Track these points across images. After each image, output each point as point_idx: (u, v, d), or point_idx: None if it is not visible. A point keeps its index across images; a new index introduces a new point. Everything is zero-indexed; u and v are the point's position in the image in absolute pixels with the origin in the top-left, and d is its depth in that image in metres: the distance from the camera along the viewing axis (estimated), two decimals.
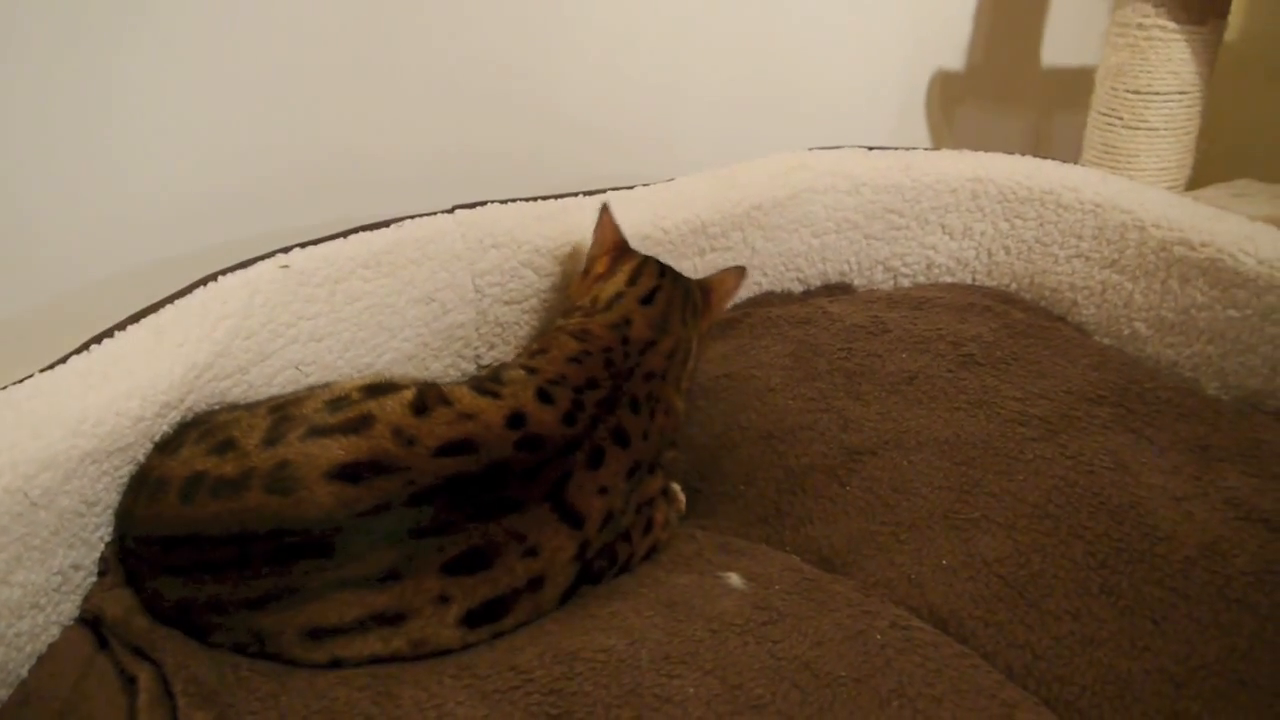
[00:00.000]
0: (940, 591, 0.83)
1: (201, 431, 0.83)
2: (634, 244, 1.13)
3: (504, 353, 1.14)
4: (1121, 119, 1.45)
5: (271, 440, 0.77)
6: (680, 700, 0.68)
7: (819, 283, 1.31)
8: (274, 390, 0.96)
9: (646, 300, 0.97)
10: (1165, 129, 1.43)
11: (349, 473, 0.72)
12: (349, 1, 1.12)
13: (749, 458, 1.01)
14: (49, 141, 0.97)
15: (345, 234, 1.03)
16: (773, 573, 0.84)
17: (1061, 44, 1.90)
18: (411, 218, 1.07)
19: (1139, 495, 0.87)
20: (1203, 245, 1.07)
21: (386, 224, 1.06)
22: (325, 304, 1.00)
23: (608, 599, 0.80)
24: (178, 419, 0.86)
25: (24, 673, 0.77)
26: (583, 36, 1.37)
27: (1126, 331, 1.16)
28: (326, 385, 0.87)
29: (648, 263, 1.03)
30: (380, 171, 1.21)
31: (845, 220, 1.27)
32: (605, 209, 1.04)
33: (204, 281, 0.93)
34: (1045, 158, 1.27)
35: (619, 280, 1.00)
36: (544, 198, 1.15)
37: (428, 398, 0.79)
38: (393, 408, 0.78)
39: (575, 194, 1.17)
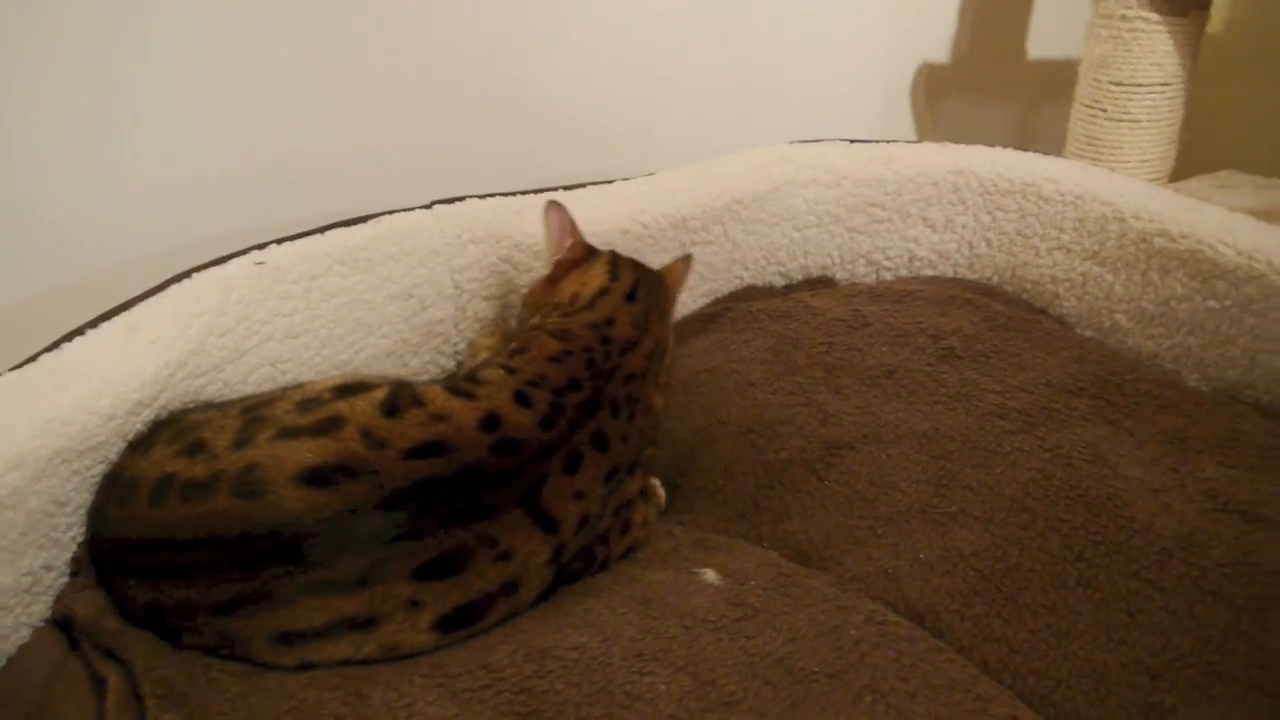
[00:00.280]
0: (917, 586, 0.83)
1: (174, 431, 0.82)
2: (614, 239, 1.13)
3: None
4: (1105, 111, 1.45)
5: (241, 442, 0.76)
6: (651, 698, 0.67)
7: (801, 276, 1.31)
8: (250, 388, 0.96)
9: (630, 297, 0.96)
10: (1148, 121, 1.43)
11: (317, 476, 0.71)
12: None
13: (728, 452, 1.00)
14: (12, 138, 0.96)
15: (322, 230, 1.02)
16: (749, 568, 0.84)
17: (1047, 36, 1.89)
18: (390, 213, 1.07)
19: (1116, 487, 0.87)
20: (1182, 236, 1.06)
21: (364, 219, 1.05)
22: (301, 300, 0.99)
23: (582, 595, 0.79)
24: (151, 417, 0.86)
25: None
26: (567, 26, 1.37)
27: (1108, 323, 1.16)
28: (299, 385, 0.87)
29: (618, 258, 1.02)
30: (359, 166, 1.20)
31: (827, 213, 1.26)
32: (552, 206, 1.01)
33: (178, 278, 0.93)
34: (1031, 150, 1.27)
35: (598, 275, 0.98)
36: (524, 192, 1.15)
37: (400, 398, 0.78)
38: (363, 409, 0.77)
39: (555, 188, 1.17)
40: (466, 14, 1.25)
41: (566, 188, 1.17)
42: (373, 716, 0.67)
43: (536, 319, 0.96)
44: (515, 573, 0.76)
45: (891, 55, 1.81)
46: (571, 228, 1.01)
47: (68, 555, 0.82)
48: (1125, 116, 1.44)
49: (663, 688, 0.68)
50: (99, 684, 0.73)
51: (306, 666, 0.72)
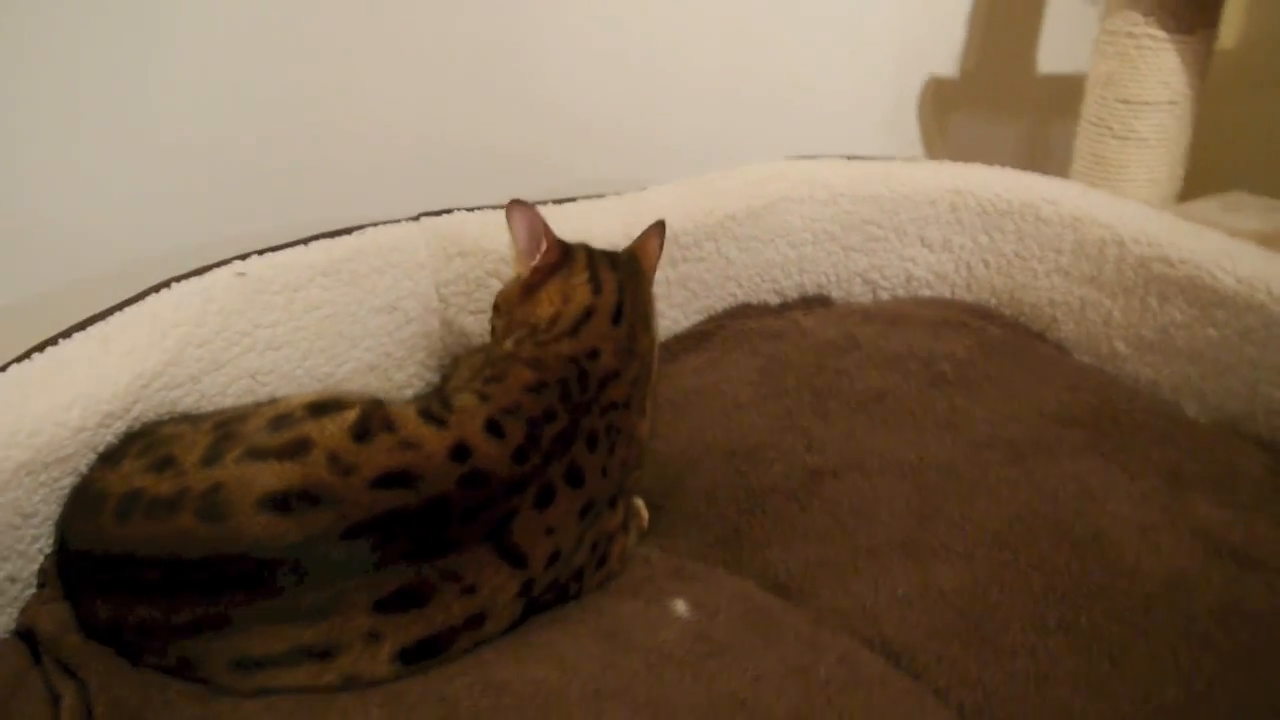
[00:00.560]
0: (894, 623, 0.81)
1: (145, 444, 0.81)
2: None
3: None
4: (1111, 129, 1.42)
5: (209, 459, 0.75)
6: None
7: (796, 295, 1.29)
8: (229, 400, 0.95)
9: (616, 317, 0.90)
10: (1155, 140, 1.40)
11: (280, 502, 0.70)
12: None
13: (711, 476, 0.99)
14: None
15: (305, 241, 1.01)
16: (721, 600, 0.82)
17: (1057, 50, 1.86)
18: (375, 225, 1.05)
19: (1103, 525, 0.85)
20: (1181, 262, 1.04)
21: (349, 231, 1.04)
22: (283, 312, 0.98)
23: (548, 626, 0.78)
24: (123, 429, 0.85)
25: None
26: (567, 29, 1.34)
27: (1106, 350, 1.14)
28: (274, 401, 0.85)
29: (595, 262, 0.94)
30: (350, 173, 1.19)
31: (823, 231, 1.24)
32: (517, 206, 0.92)
33: (156, 288, 0.92)
34: (1040, 166, 1.24)
35: (580, 290, 0.91)
36: None
37: (371, 421, 0.77)
38: (332, 432, 0.75)
39: (544, 202, 1.15)
40: (463, 18, 1.23)
41: (556, 201, 1.15)
42: None
43: (509, 344, 0.91)
44: (482, 606, 0.74)
45: (898, 67, 1.78)
46: (544, 228, 0.93)
47: (34, 567, 0.81)
48: (1132, 135, 1.41)
49: None
50: (55, 701, 0.72)
51: (265, 693, 0.71)
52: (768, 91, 1.61)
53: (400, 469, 0.73)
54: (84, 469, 0.81)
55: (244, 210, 1.08)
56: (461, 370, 1.01)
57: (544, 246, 0.93)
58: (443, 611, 0.72)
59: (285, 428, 0.77)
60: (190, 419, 0.86)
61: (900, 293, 1.27)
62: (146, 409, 0.86)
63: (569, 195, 1.19)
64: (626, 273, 0.95)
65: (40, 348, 0.84)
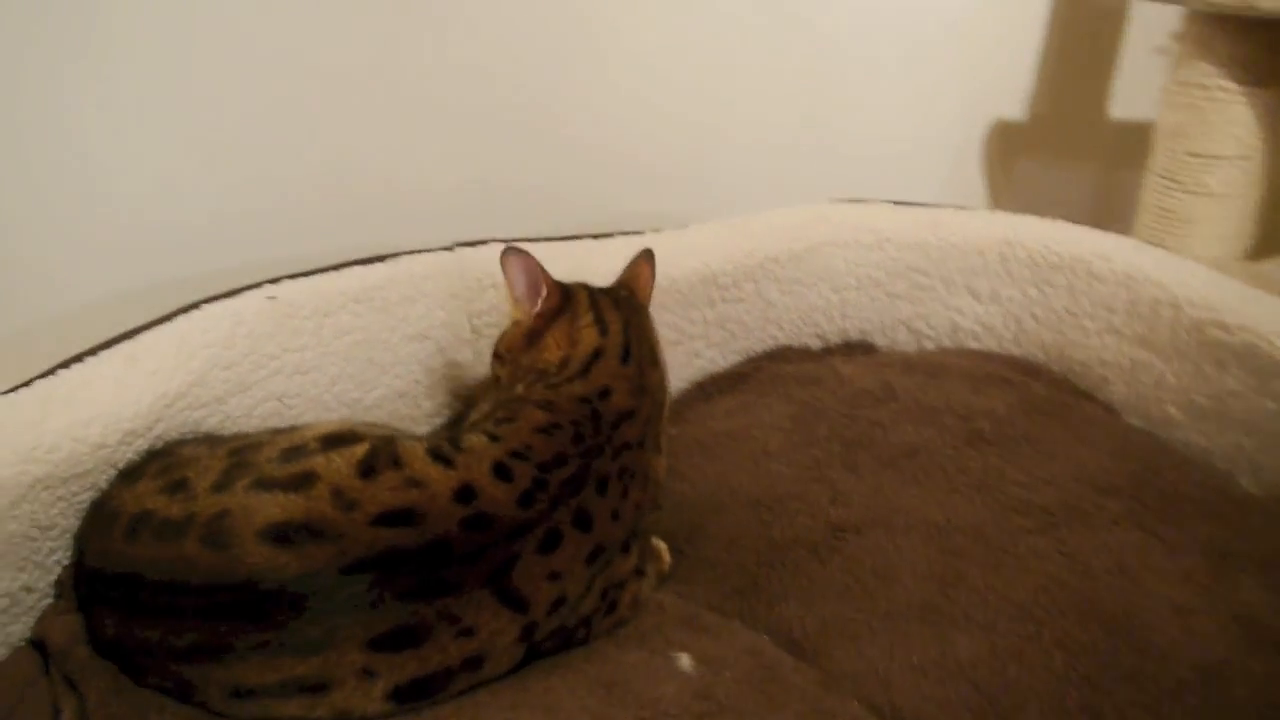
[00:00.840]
0: (907, 692, 0.77)
1: (162, 465, 0.82)
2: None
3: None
4: (1179, 182, 1.38)
5: (220, 485, 0.75)
6: None
7: (839, 340, 1.26)
8: (254, 422, 0.95)
9: (625, 357, 0.90)
10: (1224, 195, 1.35)
11: (281, 534, 0.70)
12: (355, 25, 1.10)
13: (734, 524, 0.97)
14: (37, 164, 0.96)
15: (338, 267, 1.01)
16: (730, 656, 0.79)
17: (1131, 96, 1.81)
18: (410, 253, 1.05)
19: (1137, 603, 0.81)
20: (1239, 329, 0.99)
21: (383, 259, 1.04)
22: (312, 337, 0.98)
23: (548, 672, 0.76)
24: (145, 446, 0.85)
25: None
26: (615, 68, 1.34)
27: (1158, 414, 1.09)
28: (290, 430, 0.86)
29: (598, 303, 0.93)
30: (387, 204, 1.19)
31: (867, 277, 1.22)
32: (513, 253, 0.90)
33: (186, 309, 0.93)
34: (1110, 217, 1.20)
35: (588, 333, 0.91)
36: (549, 239, 1.12)
37: (379, 458, 0.76)
38: (339, 466, 0.75)
39: (583, 237, 1.15)
40: (502, 52, 1.23)
41: (594, 236, 1.15)
42: None
43: (520, 388, 0.90)
44: (479, 649, 0.73)
45: (962, 110, 1.75)
46: (539, 273, 0.91)
47: (51, 578, 0.82)
48: (1200, 190, 1.36)
49: None
50: (57, 714, 0.73)
51: None
52: (822, 134, 1.59)
53: (404, 507, 0.73)
54: (104, 485, 0.82)
55: (281, 236, 1.08)
56: (480, 405, 1.01)
57: (544, 292, 0.91)
58: (439, 652, 0.71)
59: (295, 459, 0.77)
60: (210, 441, 0.87)
61: (946, 343, 1.24)
62: (170, 428, 0.87)
63: (607, 231, 1.18)
64: (628, 309, 0.94)
65: (66, 364, 0.85)
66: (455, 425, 1.03)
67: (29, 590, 0.81)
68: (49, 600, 0.83)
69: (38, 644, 0.80)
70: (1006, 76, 1.76)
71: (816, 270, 1.21)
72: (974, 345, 1.23)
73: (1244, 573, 0.86)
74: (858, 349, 1.25)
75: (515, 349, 0.93)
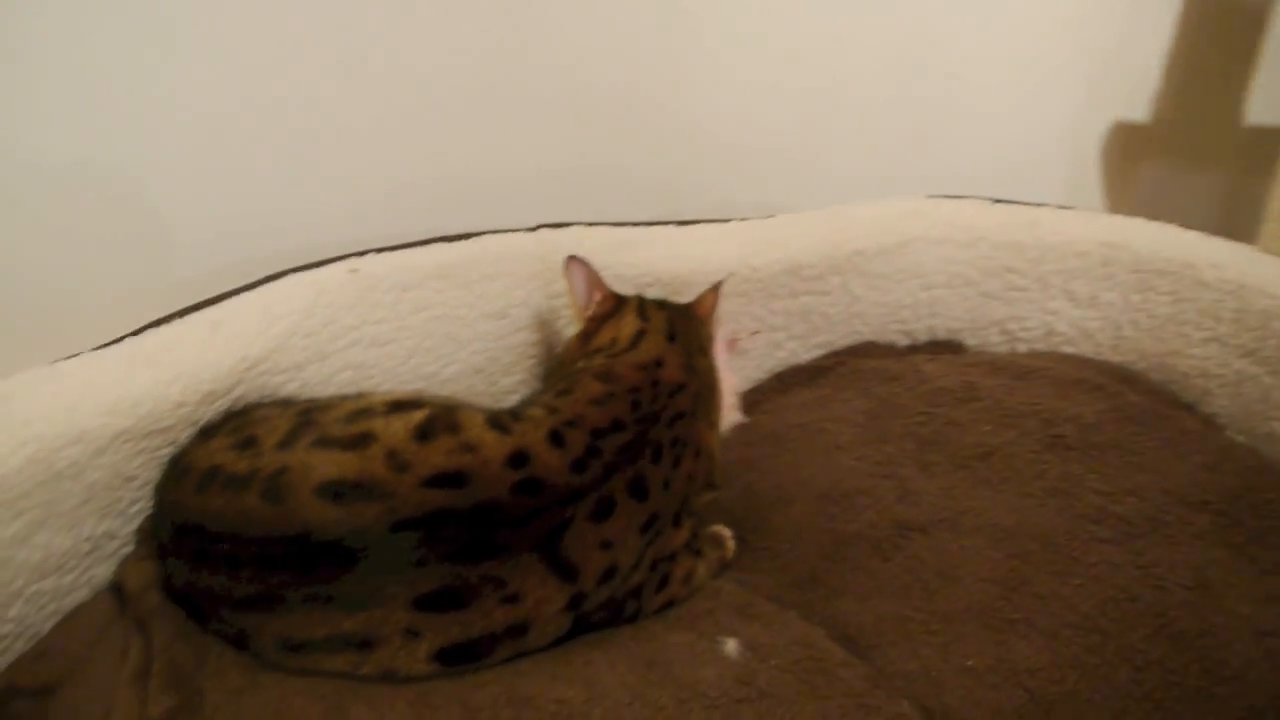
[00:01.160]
0: (958, 695, 0.75)
1: (237, 424, 0.85)
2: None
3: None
4: None
5: (285, 443, 0.78)
6: None
7: (926, 338, 1.23)
8: (331, 390, 0.98)
9: (671, 336, 0.94)
10: None
11: (335, 490, 0.72)
12: (450, 11, 1.11)
13: (800, 516, 0.95)
14: (179, 139, 1.00)
15: (421, 243, 1.03)
16: (778, 645, 0.78)
17: (1269, 101, 1.71)
18: (492, 233, 1.07)
19: (1214, 623, 0.76)
20: None
21: (466, 237, 1.06)
22: (391, 310, 1.01)
23: (591, 646, 0.76)
24: (225, 407, 0.89)
25: (46, 629, 0.81)
26: (715, 53, 1.31)
27: (1263, 430, 1.03)
28: (360, 395, 0.88)
29: (645, 302, 1.00)
30: (479, 190, 1.20)
31: (958, 275, 1.18)
32: (573, 262, 0.99)
33: (271, 278, 0.96)
34: (1238, 227, 1.14)
35: (630, 321, 0.96)
36: (633, 224, 1.13)
37: (436, 423, 0.78)
38: (397, 429, 0.77)
39: (667, 223, 1.15)
40: (598, 36, 1.22)
41: (680, 223, 1.15)
42: None
43: (582, 362, 0.94)
44: (525, 616, 0.74)
45: (1082, 111, 1.68)
46: (597, 280, 1.00)
47: (132, 527, 0.86)
48: None
49: None
50: (124, 654, 0.76)
51: (308, 673, 0.73)
52: (933, 128, 1.55)
53: (455, 470, 0.74)
54: (183, 441, 0.86)
55: (374, 220, 1.10)
56: (550, 380, 1.03)
57: (598, 297, 0.99)
58: (483, 617, 0.72)
59: (358, 421, 0.79)
60: (284, 403, 0.90)
61: (1039, 346, 1.20)
62: (249, 391, 0.90)
63: (695, 218, 1.17)
64: (675, 311, 0.99)
65: (155, 324, 0.89)
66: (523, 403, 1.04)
67: (111, 537, 0.85)
68: (130, 548, 0.86)
69: (117, 588, 0.84)
70: (1130, 76, 1.69)
71: (905, 266, 1.18)
72: (1069, 350, 1.18)
73: None
74: (945, 348, 1.22)
75: (572, 352, 0.99)
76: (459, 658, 0.73)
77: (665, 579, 0.84)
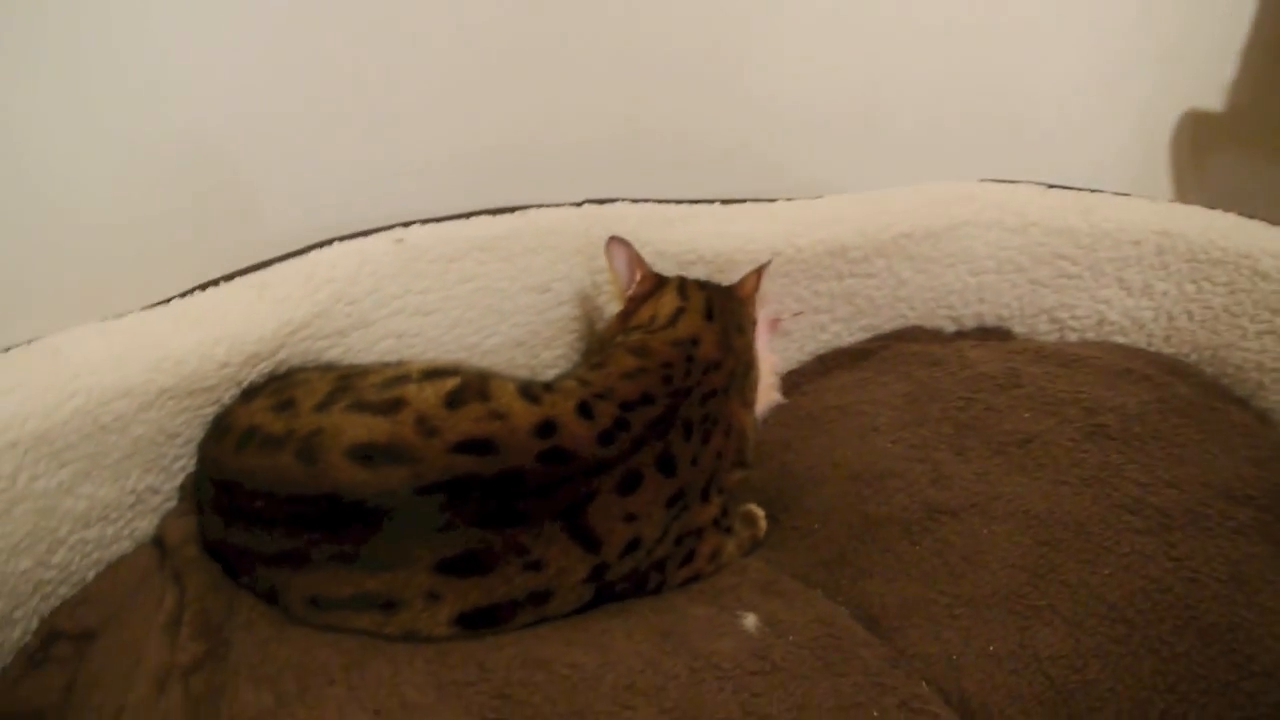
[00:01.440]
0: (978, 679, 0.75)
1: (277, 386, 0.88)
2: (764, 260, 1.09)
3: None
4: None
5: (322, 406, 0.80)
6: None
7: (973, 324, 1.21)
8: (373, 357, 1.00)
9: (709, 315, 0.94)
10: None
11: (364, 453, 0.73)
12: None
13: (831, 496, 0.95)
14: (227, 112, 1.02)
15: (467, 215, 1.05)
16: (798, 622, 0.78)
17: None
18: (537, 207, 1.08)
19: (1245, 618, 0.75)
20: None
21: (511, 210, 1.07)
22: (436, 280, 1.02)
23: (608, 615, 0.77)
24: (268, 370, 0.91)
25: (89, 576, 0.84)
26: (779, 25, 1.27)
27: None
28: (399, 362, 0.90)
29: (685, 281, 1.00)
30: (525, 161, 1.20)
31: (1008, 261, 1.16)
32: (615, 242, 0.99)
33: (318, 245, 0.98)
34: None
35: (669, 300, 0.97)
36: (677, 201, 1.13)
37: (467, 390, 0.79)
38: (428, 396, 0.78)
39: (711, 201, 1.15)
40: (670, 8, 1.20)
41: (724, 201, 1.14)
42: (360, 687, 0.68)
43: (620, 338, 0.95)
44: (547, 584, 0.75)
45: (1153, 97, 1.63)
46: (638, 261, 1.00)
47: (175, 483, 0.89)
48: None
49: None
50: (160, 603, 0.79)
51: (334, 630, 0.75)
52: (998, 113, 1.51)
53: (483, 437, 0.75)
54: (226, 401, 0.88)
55: (415, 192, 1.11)
56: (588, 355, 1.04)
57: (639, 276, 1.00)
58: (504, 583, 0.74)
59: (392, 387, 0.81)
60: (324, 367, 0.92)
61: (1090, 336, 1.17)
62: (292, 355, 0.93)
63: (740, 196, 1.17)
64: (716, 291, 0.99)
65: (203, 286, 0.92)
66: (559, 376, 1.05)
67: (154, 491, 0.88)
68: (172, 503, 0.89)
69: (159, 541, 0.87)
70: (1204, 63, 1.63)
71: (954, 251, 1.16)
72: (1120, 340, 1.15)
73: None
74: (993, 335, 1.20)
75: (613, 327, 1.00)
76: (479, 622, 0.74)
77: (691, 554, 0.84)
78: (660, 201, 1.13)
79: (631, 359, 0.87)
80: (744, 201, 1.16)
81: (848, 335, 1.20)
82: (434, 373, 0.83)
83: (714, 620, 0.78)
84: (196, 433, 0.88)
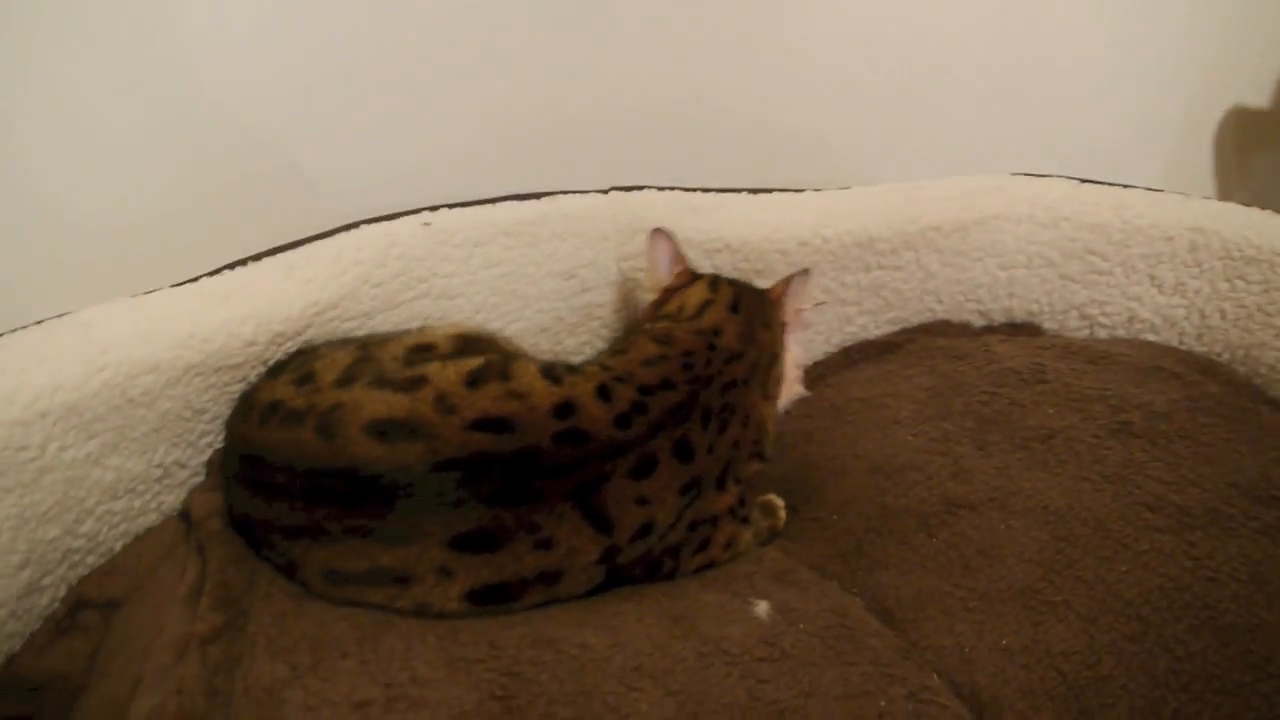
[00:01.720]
0: (989, 673, 0.74)
1: (299, 361, 0.89)
2: (790, 251, 1.09)
3: None
4: None
5: (342, 381, 0.81)
6: (626, 714, 0.65)
7: (1003, 319, 1.20)
8: None
9: (734, 308, 0.95)
10: None
11: (382, 429, 0.74)
12: None
13: (851, 488, 0.95)
14: (256, 94, 1.03)
15: (494, 200, 1.06)
16: (810, 611, 0.78)
17: None
18: (564, 193, 1.09)
19: (1265, 619, 0.73)
20: None
21: (538, 196, 1.08)
22: (462, 264, 1.03)
23: (620, 598, 0.78)
24: (294, 348, 0.93)
25: (117, 547, 0.86)
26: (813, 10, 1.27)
27: None
28: (420, 329, 0.91)
29: (718, 278, 1.01)
30: (552, 144, 1.20)
31: (1039, 255, 1.15)
32: (659, 234, 1.01)
33: (346, 228, 0.99)
34: None
35: (699, 292, 0.98)
36: (704, 189, 1.13)
37: (489, 370, 0.80)
38: (449, 375, 0.79)
39: (739, 190, 1.15)
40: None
41: (752, 191, 1.14)
42: (372, 661, 0.69)
43: (647, 325, 0.96)
44: (557, 564, 0.76)
45: (1196, 94, 1.60)
46: (679, 255, 1.02)
47: (202, 459, 0.91)
48: None
49: (644, 707, 0.65)
50: (183, 574, 0.81)
51: (350, 604, 0.76)
52: (1038, 106, 1.49)
53: (501, 416, 0.76)
54: (253, 378, 0.90)
55: (442, 178, 1.11)
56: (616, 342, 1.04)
57: (677, 269, 1.01)
58: (514, 561, 0.74)
59: (415, 365, 0.82)
60: (340, 341, 0.93)
61: (1120, 333, 1.16)
62: (319, 334, 0.94)
63: (769, 186, 1.17)
64: (745, 289, 1.00)
65: (231, 266, 0.93)
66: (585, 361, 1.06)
67: (181, 466, 0.90)
68: (199, 478, 0.91)
69: (184, 515, 0.89)
70: (1250, 60, 1.60)
71: (983, 244, 1.15)
72: (1151, 338, 1.14)
73: None
74: (1022, 330, 1.19)
75: (643, 318, 1.01)
76: (490, 598, 0.75)
77: (705, 541, 0.84)
78: (687, 190, 1.13)
79: (654, 346, 0.87)
80: (771, 191, 1.15)
81: (874, 328, 1.19)
82: (464, 339, 0.85)
83: (726, 606, 0.78)
84: (223, 410, 0.90)
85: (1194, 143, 1.64)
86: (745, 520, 0.90)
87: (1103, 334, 1.17)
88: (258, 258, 0.95)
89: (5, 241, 0.91)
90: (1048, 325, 1.19)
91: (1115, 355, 1.06)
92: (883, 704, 0.69)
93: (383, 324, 0.99)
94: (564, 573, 0.76)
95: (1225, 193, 1.67)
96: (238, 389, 0.90)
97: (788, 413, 1.07)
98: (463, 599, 0.74)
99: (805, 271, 1.03)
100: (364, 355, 0.84)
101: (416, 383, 0.78)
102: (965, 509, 0.87)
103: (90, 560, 0.84)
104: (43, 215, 0.92)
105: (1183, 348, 1.12)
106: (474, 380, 0.79)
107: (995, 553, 0.83)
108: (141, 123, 0.95)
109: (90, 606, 0.82)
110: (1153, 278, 1.12)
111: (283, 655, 0.71)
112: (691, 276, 1.01)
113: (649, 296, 1.03)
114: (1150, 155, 1.62)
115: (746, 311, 0.95)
